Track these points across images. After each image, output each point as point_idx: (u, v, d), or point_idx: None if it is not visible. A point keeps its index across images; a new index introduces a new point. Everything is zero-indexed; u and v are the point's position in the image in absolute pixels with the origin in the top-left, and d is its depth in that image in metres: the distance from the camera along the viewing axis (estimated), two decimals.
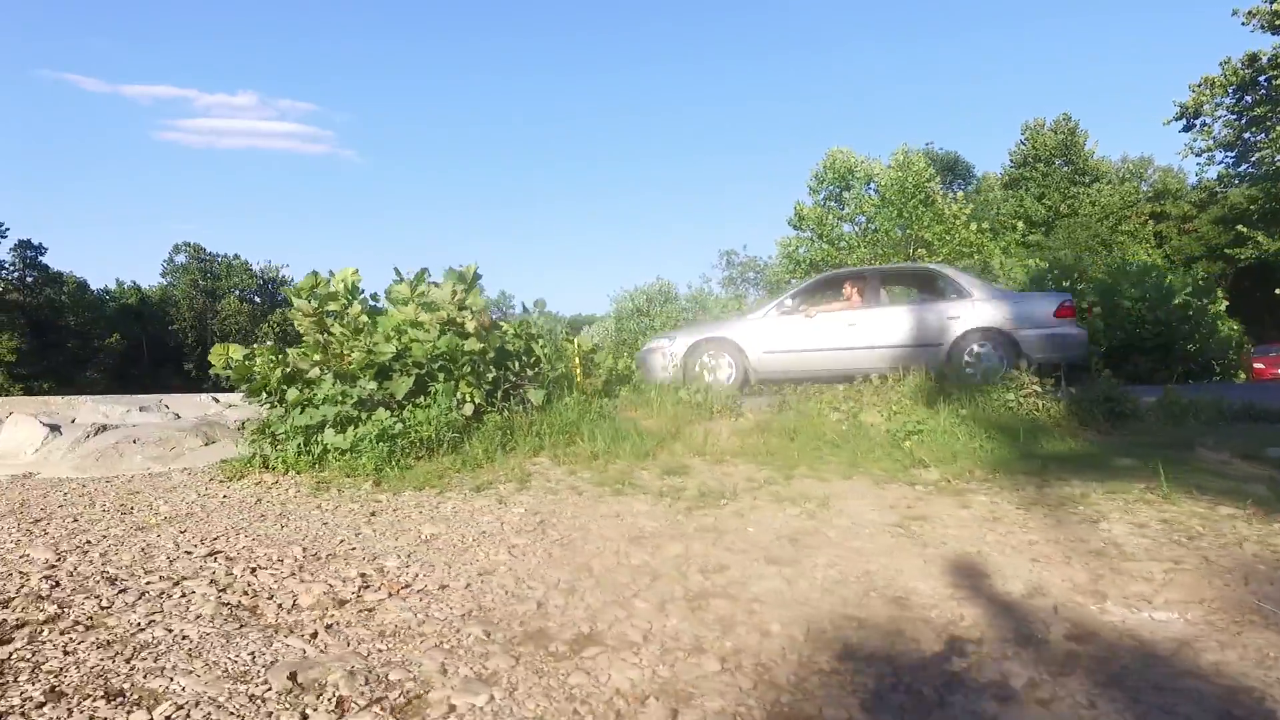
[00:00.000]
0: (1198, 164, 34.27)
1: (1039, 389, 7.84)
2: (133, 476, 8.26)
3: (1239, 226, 32.32)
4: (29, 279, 68.14)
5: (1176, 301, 16.49)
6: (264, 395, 8.07)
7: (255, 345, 8.48)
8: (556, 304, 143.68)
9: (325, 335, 8.00)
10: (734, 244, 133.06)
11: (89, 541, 5.26)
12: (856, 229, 31.22)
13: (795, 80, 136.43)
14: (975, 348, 9.86)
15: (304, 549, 4.65)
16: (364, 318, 8.46)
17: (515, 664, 3.12)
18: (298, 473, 7.33)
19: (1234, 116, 33.75)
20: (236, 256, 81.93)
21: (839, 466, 6.21)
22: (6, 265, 66.03)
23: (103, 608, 3.84)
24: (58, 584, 4.28)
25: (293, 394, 7.61)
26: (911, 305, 10.73)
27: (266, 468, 7.55)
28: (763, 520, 4.91)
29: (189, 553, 4.75)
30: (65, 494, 7.44)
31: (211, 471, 8.07)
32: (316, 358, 7.80)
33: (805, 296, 11.30)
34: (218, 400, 11.43)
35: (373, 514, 5.53)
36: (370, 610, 3.69)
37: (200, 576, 4.25)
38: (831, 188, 33.47)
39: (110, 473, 8.68)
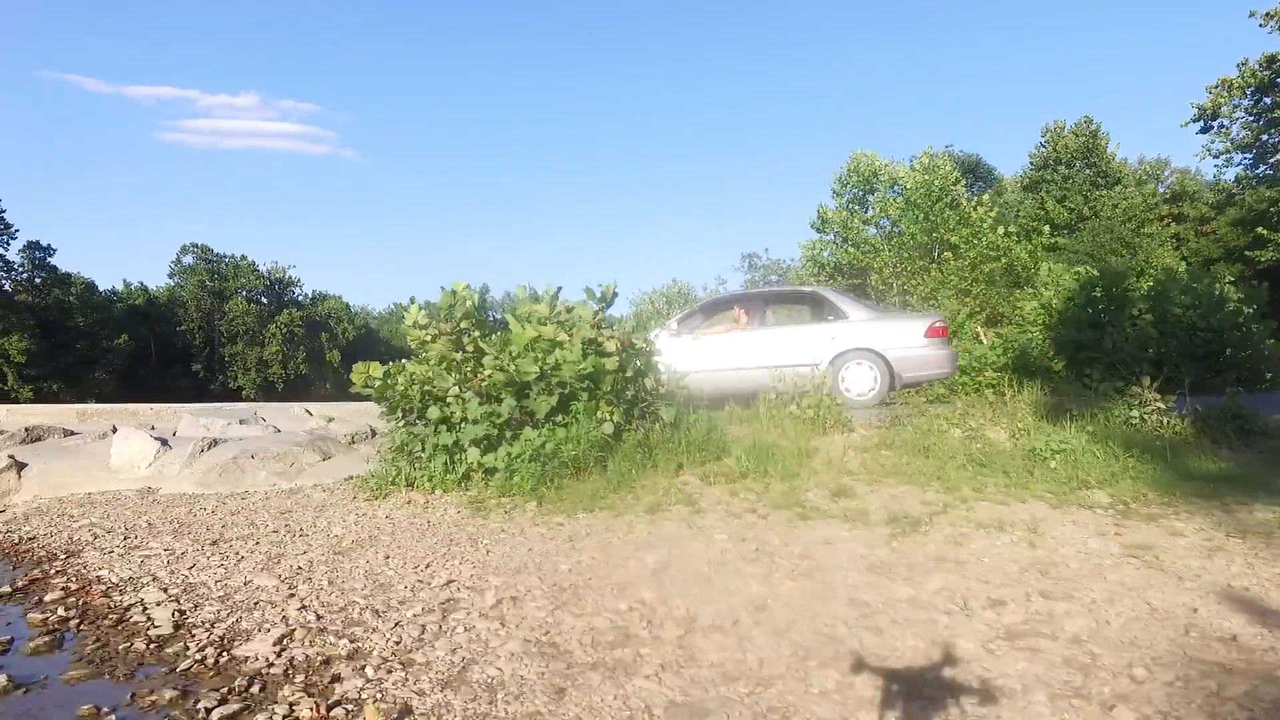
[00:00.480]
0: (1215, 166, 34.46)
1: (1162, 405, 7.95)
2: (266, 493, 8.36)
3: (1259, 229, 32.52)
4: (37, 280, 67.76)
5: (1228, 309, 16.65)
6: (399, 414, 8.16)
7: (392, 364, 8.54)
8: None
9: (461, 353, 8.08)
10: (743, 243, 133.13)
11: (298, 567, 5.34)
12: (880, 232, 31.29)
13: (801, 80, 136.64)
14: (851, 367, 10.44)
15: (539, 578, 4.75)
16: (488, 336, 8.56)
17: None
18: (444, 491, 7.43)
19: (1252, 118, 33.93)
20: (244, 257, 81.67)
21: (1003, 488, 6.30)
22: (16, 267, 65.62)
23: (396, 642, 3.93)
24: (319, 615, 4.37)
25: (434, 412, 7.71)
26: (793, 326, 11.30)
27: (409, 486, 7.65)
28: (984, 549, 4.97)
29: (422, 582, 4.85)
30: (214, 512, 7.54)
31: (348, 488, 8.17)
32: (454, 377, 7.90)
33: (695, 319, 11.72)
34: (310, 413, 11.51)
35: (571, 539, 5.61)
36: (684, 649, 3.71)
37: (461, 608, 4.35)
38: (855, 190, 33.55)
39: (236, 488, 8.79)
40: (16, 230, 64.98)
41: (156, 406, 13.93)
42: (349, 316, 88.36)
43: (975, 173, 35.74)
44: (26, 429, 10.75)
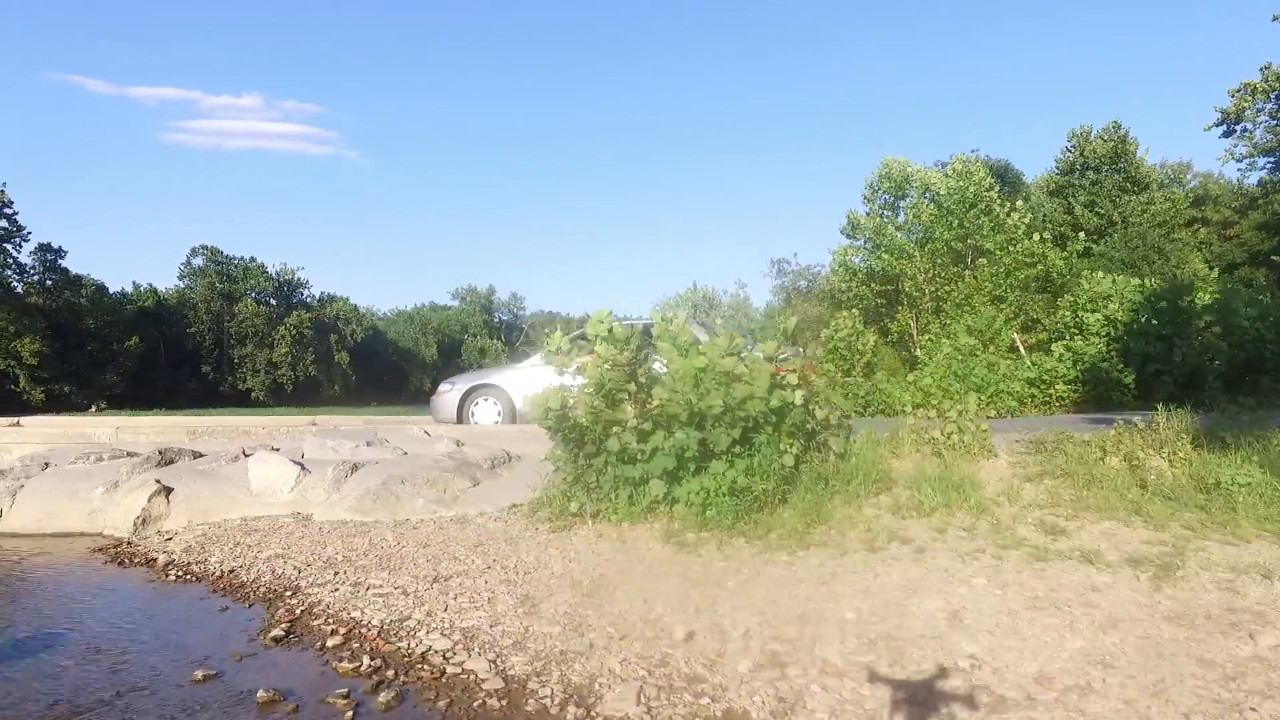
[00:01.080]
0: (1239, 170, 34.69)
1: None
2: (435, 521, 8.41)
3: None
4: (48, 282, 67.45)
5: None
6: (571, 444, 8.23)
7: (562, 394, 8.58)
8: (569, 306, 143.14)
9: (635, 384, 8.16)
10: (758, 245, 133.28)
11: (563, 611, 5.41)
12: (913, 239, 31.42)
13: (805, 80, 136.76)
14: None
15: (837, 629, 4.82)
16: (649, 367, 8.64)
17: None
18: (631, 523, 7.51)
19: (1275, 122, 34.16)
20: (253, 259, 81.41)
21: (1214, 526, 6.35)
22: (28, 269, 65.34)
23: (763, 703, 3.99)
24: (648, 670, 4.43)
25: (614, 444, 7.79)
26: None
27: (593, 517, 7.72)
28: (1266, 598, 4.93)
29: (715, 630, 4.90)
30: (398, 542, 7.60)
31: (520, 518, 8.23)
32: (634, 410, 7.97)
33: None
34: (429, 434, 11.58)
35: (823, 582, 5.67)
36: (1072, 711, 3.73)
37: (789, 661, 4.40)
38: (885, 197, 33.67)
39: (396, 515, 8.84)
40: (29, 233, 64.64)
41: (265, 421, 13.95)
42: (357, 318, 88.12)
43: (1003, 178, 35.88)
44: (160, 451, 10.80)
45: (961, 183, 30.39)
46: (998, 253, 30.21)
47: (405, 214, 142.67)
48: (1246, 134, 34.28)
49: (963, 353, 19.63)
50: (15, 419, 18.88)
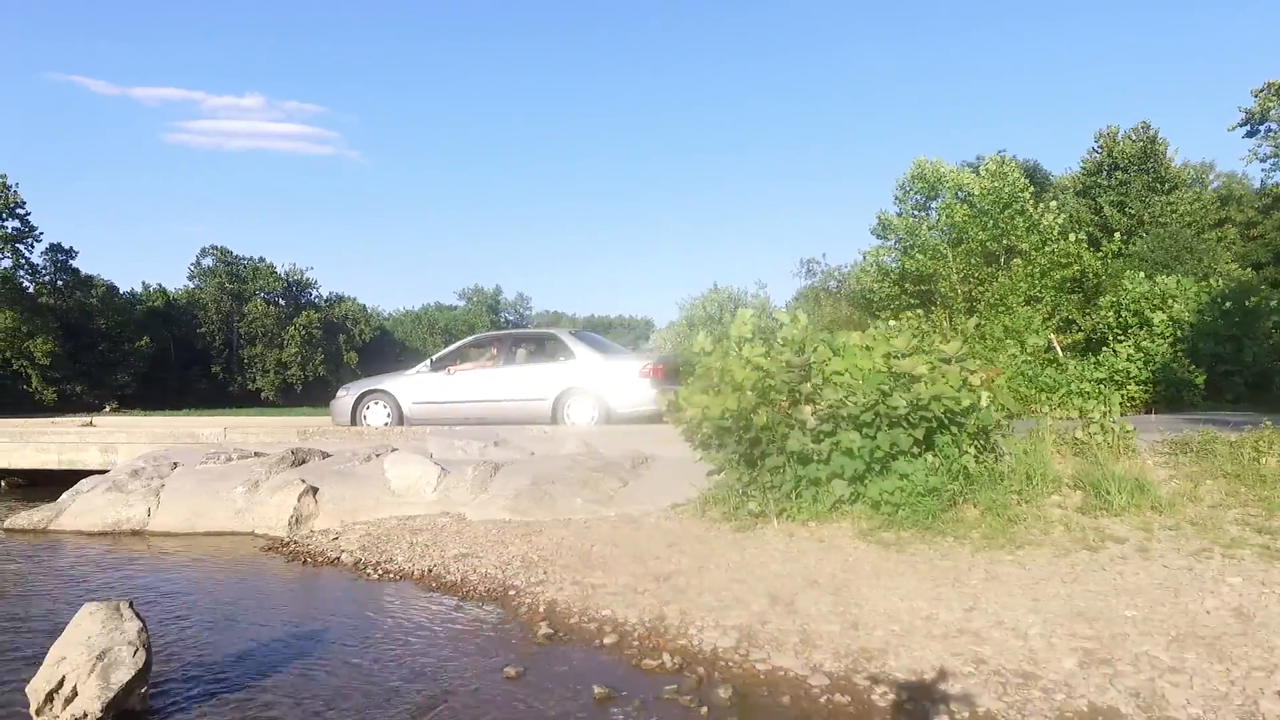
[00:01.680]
0: (1263, 170, 34.91)
1: None
2: (608, 522, 8.45)
3: None
4: (59, 283, 67.12)
5: None
6: (744, 446, 8.28)
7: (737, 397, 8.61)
8: (574, 306, 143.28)
9: (809, 384, 8.21)
10: (763, 246, 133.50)
11: (830, 610, 5.44)
12: (946, 239, 31.49)
13: (817, 81, 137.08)
14: (573, 403, 12.16)
15: (1131, 625, 4.85)
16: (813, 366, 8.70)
17: None
18: (818, 523, 7.57)
19: None
20: (261, 259, 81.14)
21: None
22: (40, 269, 65.00)
23: None
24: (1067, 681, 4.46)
25: (794, 444, 7.85)
26: (530, 365, 12.92)
27: (778, 517, 7.77)
28: None
29: (1037, 629, 4.87)
30: (590, 543, 7.64)
31: (691, 517, 8.28)
32: (809, 408, 8.04)
33: (452, 356, 13.52)
34: (547, 433, 11.64)
35: (1071, 577, 5.73)
36: None
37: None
38: (917, 197, 33.79)
39: (555, 515, 8.89)
40: (41, 233, 64.30)
41: (318, 423, 13.99)
42: (365, 318, 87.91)
43: (1032, 178, 36.07)
44: (293, 451, 10.82)
45: (997, 183, 30.51)
46: (1033, 253, 30.34)
47: (407, 214, 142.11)
48: (1270, 134, 34.54)
49: (1031, 354, 19.76)
50: (88, 419, 18.88)
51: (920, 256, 31.65)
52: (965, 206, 31.72)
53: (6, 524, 10.11)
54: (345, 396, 13.58)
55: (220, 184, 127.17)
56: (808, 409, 8.06)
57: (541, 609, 6.05)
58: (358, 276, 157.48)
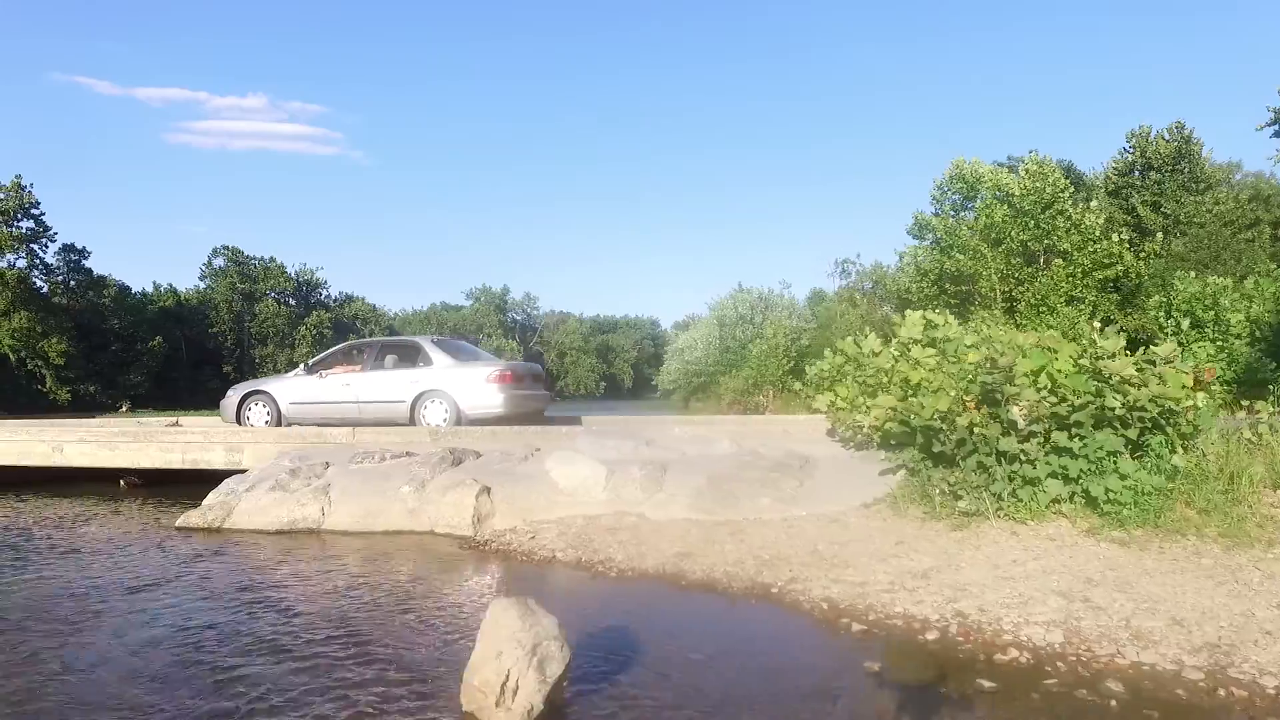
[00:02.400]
0: None
1: None
2: (811, 520, 8.48)
3: None
4: (72, 283, 66.75)
5: None
6: (934, 443, 8.34)
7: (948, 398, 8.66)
8: (583, 306, 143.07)
9: (1010, 386, 8.27)
10: (774, 247, 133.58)
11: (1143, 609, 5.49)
12: (985, 239, 31.51)
13: (819, 80, 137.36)
14: (428, 404, 12.93)
15: None
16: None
17: None
18: (1035, 521, 7.64)
19: None
20: (272, 259, 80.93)
21: None
22: (54, 269, 64.68)
23: None
24: None
25: (1006, 443, 7.92)
26: (391, 370, 13.66)
27: (991, 515, 7.83)
28: None
29: None
30: (812, 542, 7.66)
31: (888, 516, 8.34)
32: (1016, 408, 8.10)
33: (326, 361, 14.38)
34: (681, 431, 11.70)
35: None
36: None
37: None
38: (955, 197, 33.89)
39: (741, 515, 8.94)
40: (55, 233, 63.97)
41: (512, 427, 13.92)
42: (375, 318, 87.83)
43: (1067, 178, 36.23)
44: (451, 451, 10.83)
45: (1038, 183, 30.62)
46: (1075, 253, 30.45)
47: (410, 214, 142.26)
48: None
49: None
50: (174, 419, 18.81)
51: (961, 257, 31.71)
52: (1004, 206, 31.76)
53: (179, 523, 10.08)
54: (232, 396, 14.44)
55: (223, 184, 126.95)
56: (1015, 409, 8.13)
57: (825, 606, 6.09)
58: (362, 276, 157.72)
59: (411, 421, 13.00)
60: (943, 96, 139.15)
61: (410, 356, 13.90)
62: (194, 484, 13.19)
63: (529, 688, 4.04)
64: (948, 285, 31.81)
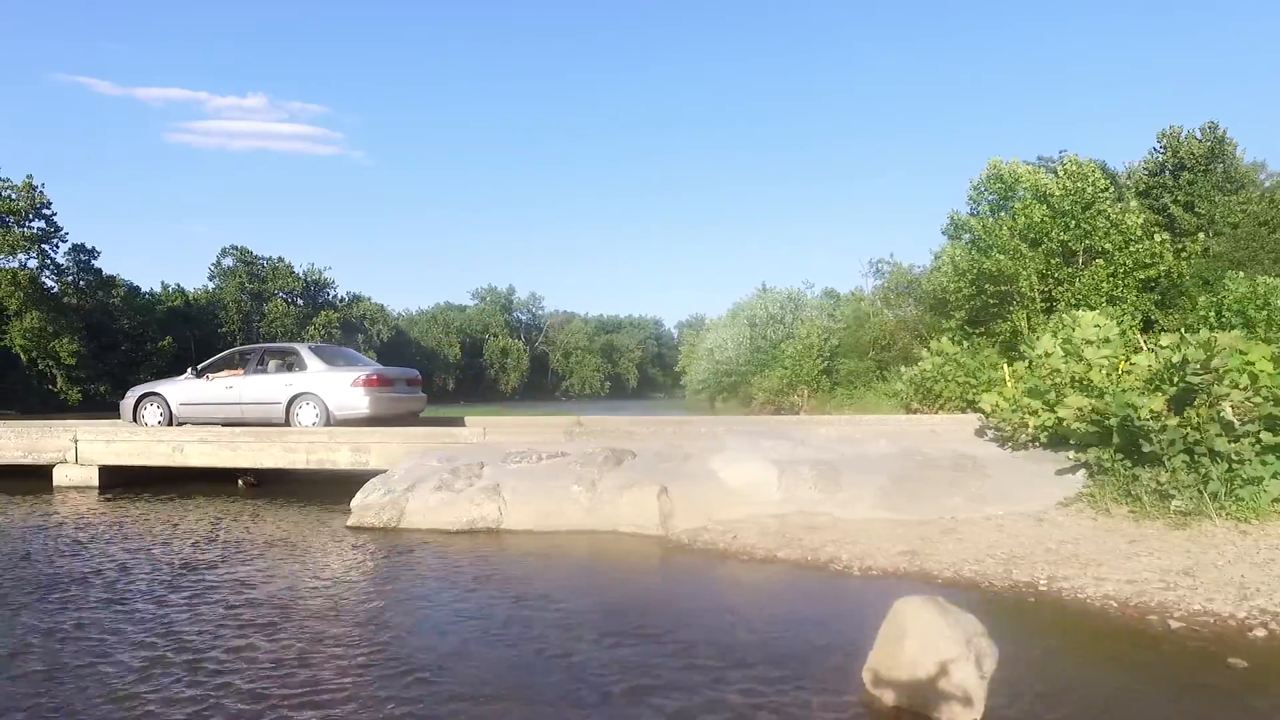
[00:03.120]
0: None
1: None
2: (1023, 518, 8.47)
3: None
4: (81, 283, 66.19)
5: None
6: (1149, 442, 8.36)
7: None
8: (586, 305, 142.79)
9: (1220, 386, 8.30)
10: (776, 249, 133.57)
11: None
12: (1024, 239, 31.62)
13: (830, 79, 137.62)
14: (302, 406, 13.81)
15: None
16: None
17: None
18: (1259, 519, 7.67)
19: None
20: (280, 259, 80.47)
21: None
22: (66, 270, 64.13)
23: None
24: None
25: (1221, 443, 7.95)
26: (271, 375, 14.54)
27: (1213, 514, 7.85)
28: None
29: None
30: (1045, 543, 7.65)
31: (1089, 515, 8.35)
32: (1228, 407, 8.14)
33: (213, 366, 15.26)
34: (847, 433, 11.72)
35: None
36: None
37: None
38: (992, 197, 34.01)
39: (935, 514, 8.96)
40: (66, 233, 63.44)
41: (650, 421, 13.88)
42: (384, 318, 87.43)
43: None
44: (612, 450, 10.80)
45: (1078, 183, 30.76)
46: (1115, 253, 30.58)
47: (413, 214, 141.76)
48: None
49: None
50: None
51: (1001, 257, 31.76)
52: (1042, 206, 31.87)
53: (351, 522, 10.02)
54: (130, 398, 15.24)
55: (224, 184, 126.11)
56: (1228, 407, 8.17)
57: (1114, 604, 6.08)
58: (364, 276, 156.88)
59: (287, 421, 13.83)
60: (942, 96, 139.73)
61: (288, 362, 14.87)
62: (307, 484, 13.25)
63: (970, 682, 4.02)
64: (987, 285, 31.84)
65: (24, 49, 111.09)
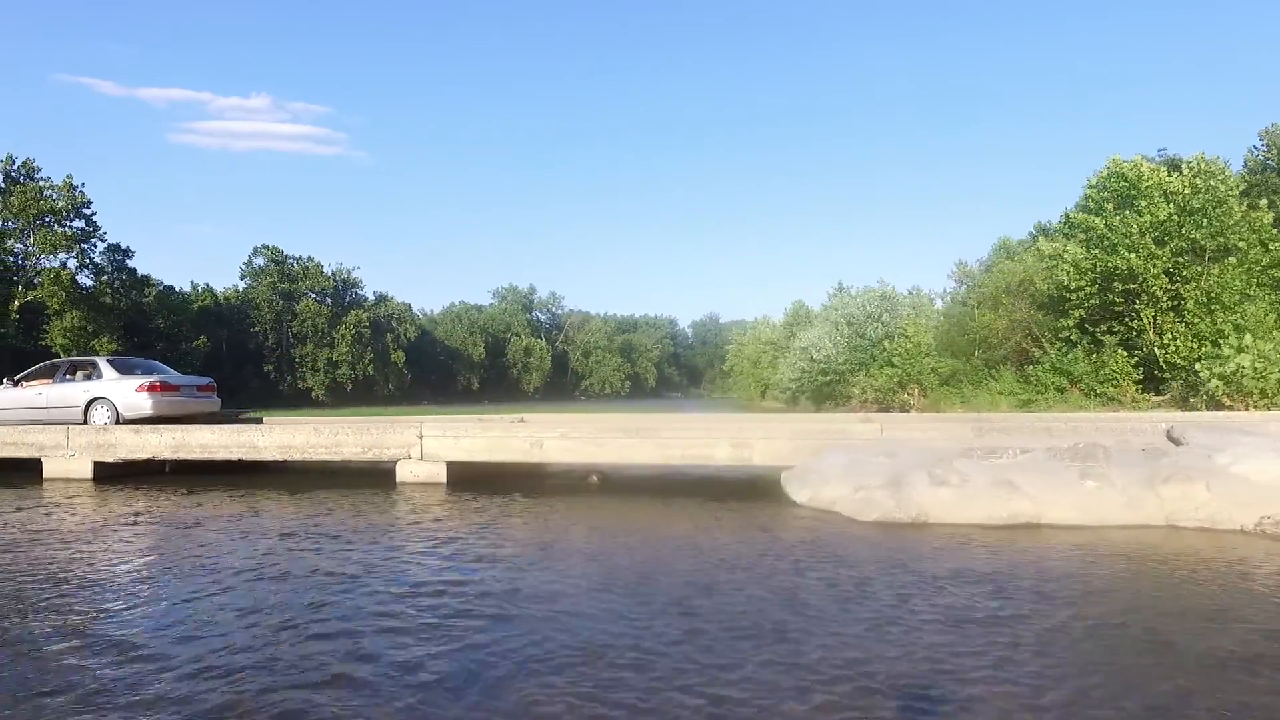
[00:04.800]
0: None
1: None
2: None
3: None
4: (116, 283, 64.64)
5: None
6: None
7: None
8: (606, 305, 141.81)
9: None
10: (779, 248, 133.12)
11: None
12: (1150, 239, 31.56)
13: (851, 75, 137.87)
14: (97, 408, 15.50)
15: None
16: None
17: None
18: None
19: None
20: (310, 258, 79.14)
21: None
22: (103, 269, 62.59)
23: None
24: None
25: None
26: (74, 383, 16.25)
27: None
28: None
29: None
30: None
31: None
32: None
33: (29, 375, 16.83)
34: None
35: None
36: None
37: None
38: (1113, 196, 33.97)
39: None
40: (104, 233, 61.97)
41: (994, 417, 13.52)
42: (410, 318, 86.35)
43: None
44: (1080, 445, 10.44)
45: (1210, 181, 30.77)
46: (1250, 251, 30.60)
47: (414, 214, 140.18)
48: None
49: None
50: (519, 416, 18.08)
51: (1131, 255, 31.65)
52: (1169, 205, 31.84)
53: (875, 518, 9.53)
54: None
55: (227, 185, 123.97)
56: None
57: None
58: (367, 276, 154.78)
59: (85, 421, 15.43)
60: (943, 95, 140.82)
61: (88, 372, 16.55)
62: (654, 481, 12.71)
63: None
64: (1116, 284, 31.73)
65: (28, 50, 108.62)
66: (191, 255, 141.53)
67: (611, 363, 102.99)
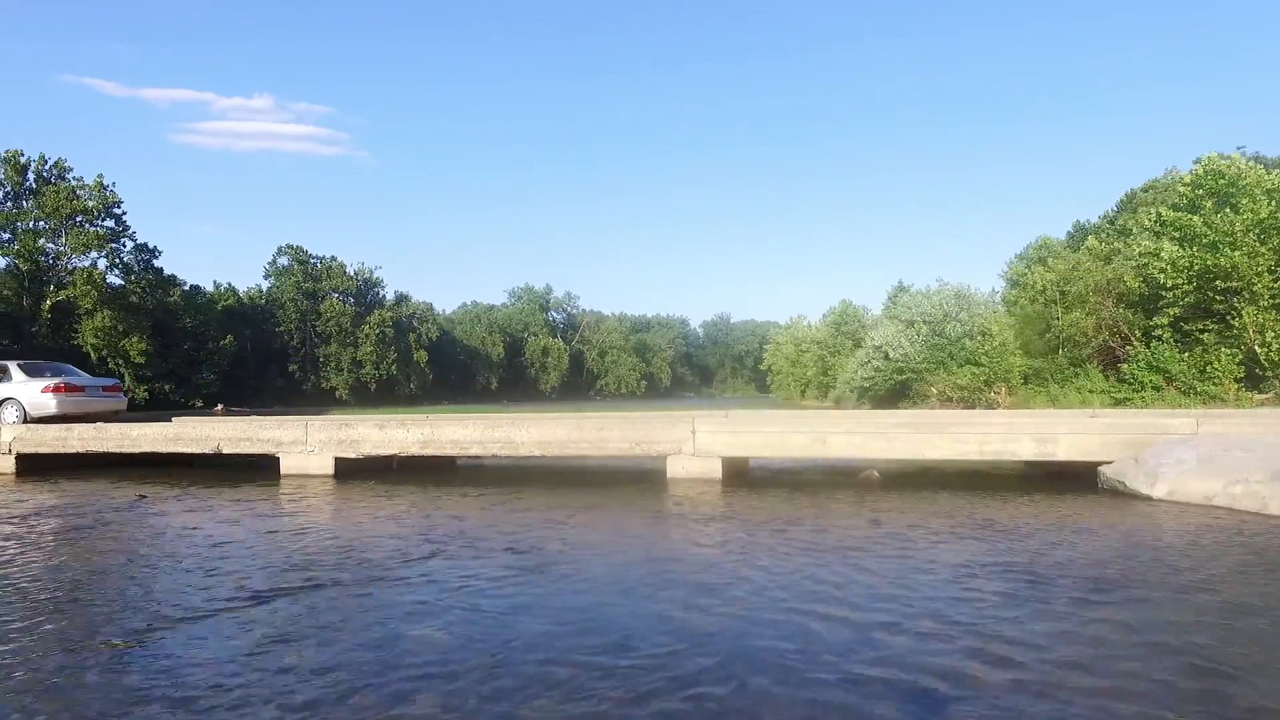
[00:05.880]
0: None
1: None
2: None
3: None
4: (143, 283, 63.38)
5: None
6: None
7: None
8: (621, 304, 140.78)
9: None
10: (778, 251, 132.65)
11: None
12: (1253, 238, 31.20)
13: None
14: (6, 408, 16.47)
15: None
16: None
17: None
18: None
19: None
20: (334, 259, 77.99)
21: None
22: (132, 269, 61.34)
23: None
24: None
25: None
26: None
27: None
28: None
29: None
30: None
31: None
32: None
33: None
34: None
35: None
36: None
37: None
38: (1210, 194, 33.66)
39: None
40: (134, 232, 60.65)
41: (1175, 414, 12.85)
42: (431, 318, 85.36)
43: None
44: None
45: None
46: None
47: (415, 214, 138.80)
48: None
49: None
50: (724, 413, 17.33)
51: (1235, 254, 31.29)
52: (1271, 202, 31.53)
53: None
54: None
55: (229, 185, 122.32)
56: None
57: None
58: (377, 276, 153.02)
59: None
60: (943, 96, 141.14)
61: (2, 374, 17.27)
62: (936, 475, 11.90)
63: None
64: (1218, 282, 31.35)
65: (31, 51, 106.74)
66: (192, 255, 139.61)
67: (627, 362, 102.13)
